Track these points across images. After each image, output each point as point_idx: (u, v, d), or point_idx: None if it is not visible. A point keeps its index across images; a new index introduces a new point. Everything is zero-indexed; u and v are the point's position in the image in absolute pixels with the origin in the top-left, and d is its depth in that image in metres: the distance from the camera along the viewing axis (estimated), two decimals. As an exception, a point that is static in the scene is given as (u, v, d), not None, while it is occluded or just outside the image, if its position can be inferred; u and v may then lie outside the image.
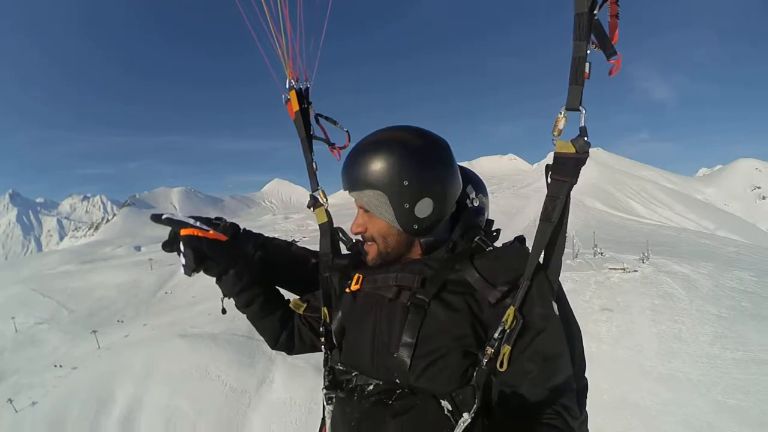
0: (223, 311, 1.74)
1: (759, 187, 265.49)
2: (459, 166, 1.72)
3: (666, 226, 72.71)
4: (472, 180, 1.75)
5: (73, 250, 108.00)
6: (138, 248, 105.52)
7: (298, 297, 1.78)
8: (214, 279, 1.63)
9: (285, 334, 1.80)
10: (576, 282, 21.20)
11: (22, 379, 29.24)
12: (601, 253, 29.75)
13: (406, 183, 1.33)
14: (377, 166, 1.35)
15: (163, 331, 30.02)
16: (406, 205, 1.35)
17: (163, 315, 36.28)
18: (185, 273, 1.50)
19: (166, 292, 46.54)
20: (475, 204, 1.66)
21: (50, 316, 43.36)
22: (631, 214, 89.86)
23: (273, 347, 1.83)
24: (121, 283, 51.02)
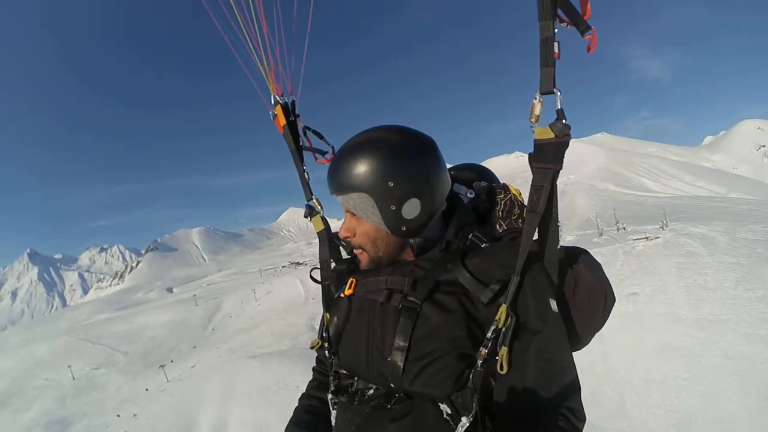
0: None
1: (764, 146, 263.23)
2: (460, 165, 1.87)
3: (679, 196, 73.58)
4: (469, 170, 1.80)
5: (104, 300, 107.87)
6: (170, 290, 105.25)
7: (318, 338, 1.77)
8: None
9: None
10: (605, 255, 22.46)
11: (93, 421, 29.27)
12: (624, 228, 31.05)
13: (391, 184, 1.31)
14: (361, 168, 1.33)
15: (231, 356, 30.55)
16: (393, 207, 1.33)
17: (223, 343, 36.46)
18: None
19: (213, 329, 46.51)
20: (470, 196, 1.63)
21: (105, 361, 43.32)
22: (644, 191, 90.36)
23: None
24: (169, 320, 51.38)
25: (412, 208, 1.34)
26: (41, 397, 35.62)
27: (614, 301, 1.40)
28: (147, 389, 31.01)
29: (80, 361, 43.11)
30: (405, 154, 1.33)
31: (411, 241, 1.44)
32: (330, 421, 1.67)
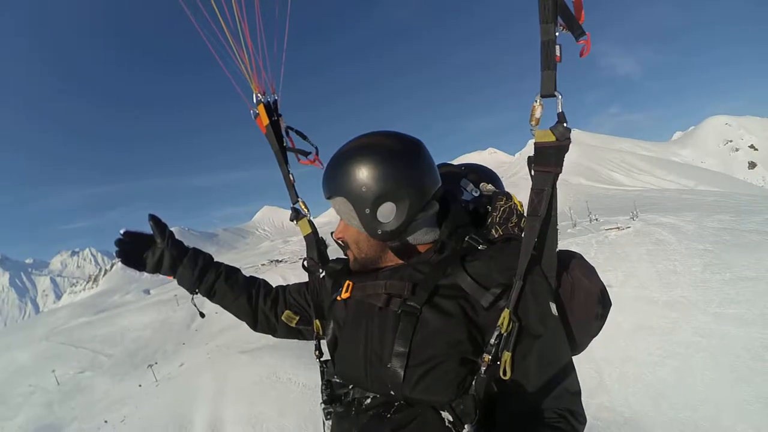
0: (201, 315, 1.88)
1: (731, 141, 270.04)
2: (473, 164, 1.84)
3: (649, 189, 75.57)
4: (482, 173, 1.77)
5: (80, 304, 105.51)
6: (147, 291, 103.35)
7: (290, 311, 1.81)
8: (174, 279, 1.77)
9: (262, 316, 1.87)
10: (579, 245, 23.42)
11: (84, 424, 29.07)
12: (596, 219, 32.24)
13: (363, 189, 1.33)
14: (341, 174, 1.37)
15: (220, 353, 30.43)
16: (367, 210, 1.36)
17: (210, 340, 36.18)
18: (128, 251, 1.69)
19: (196, 328, 44.78)
20: (474, 194, 1.65)
21: (89, 364, 42.89)
22: (616, 185, 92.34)
23: (254, 329, 1.91)
24: (152, 321, 50.67)
25: (386, 212, 1.36)
26: (27, 403, 35.26)
27: (611, 305, 1.38)
28: (140, 385, 30.49)
29: (64, 366, 42.57)
30: (379, 160, 1.35)
31: (390, 245, 1.43)
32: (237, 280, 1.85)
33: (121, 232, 1.67)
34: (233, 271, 1.87)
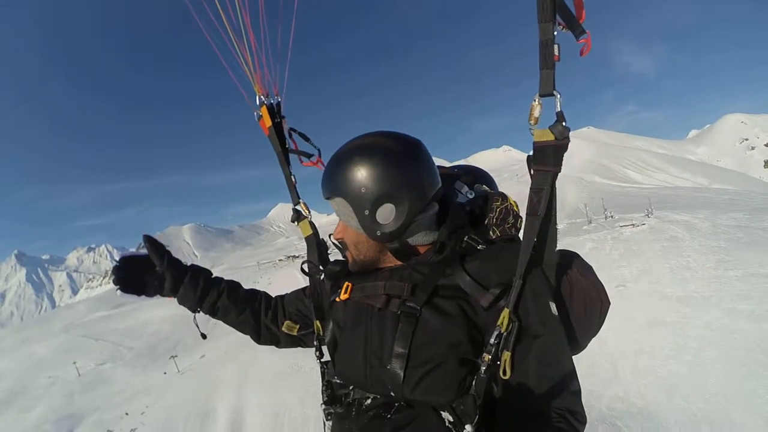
0: (203, 336, 1.96)
1: (747, 139, 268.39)
2: (466, 165, 1.82)
3: (664, 187, 75.35)
4: (476, 174, 1.74)
5: (97, 299, 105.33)
6: None
7: (290, 320, 1.84)
8: (176, 300, 1.77)
9: (264, 329, 1.91)
10: (595, 241, 22.99)
11: (105, 414, 28.32)
12: (611, 216, 32.58)
13: (363, 190, 1.33)
14: (341, 174, 1.36)
15: (240, 346, 28.57)
16: (366, 212, 1.35)
17: (231, 333, 35.59)
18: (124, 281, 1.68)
19: (216, 322, 42.39)
20: (469, 196, 1.61)
21: (110, 357, 42.87)
22: (630, 182, 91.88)
23: (258, 342, 1.93)
24: (172, 315, 49.31)
25: (386, 213, 1.36)
26: (47, 395, 34.84)
27: (609, 305, 1.41)
28: (165, 372, 31.00)
29: (84, 358, 42.64)
30: (379, 160, 1.34)
31: (388, 246, 1.43)
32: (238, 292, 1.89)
33: (118, 259, 1.72)
34: (234, 287, 1.92)
